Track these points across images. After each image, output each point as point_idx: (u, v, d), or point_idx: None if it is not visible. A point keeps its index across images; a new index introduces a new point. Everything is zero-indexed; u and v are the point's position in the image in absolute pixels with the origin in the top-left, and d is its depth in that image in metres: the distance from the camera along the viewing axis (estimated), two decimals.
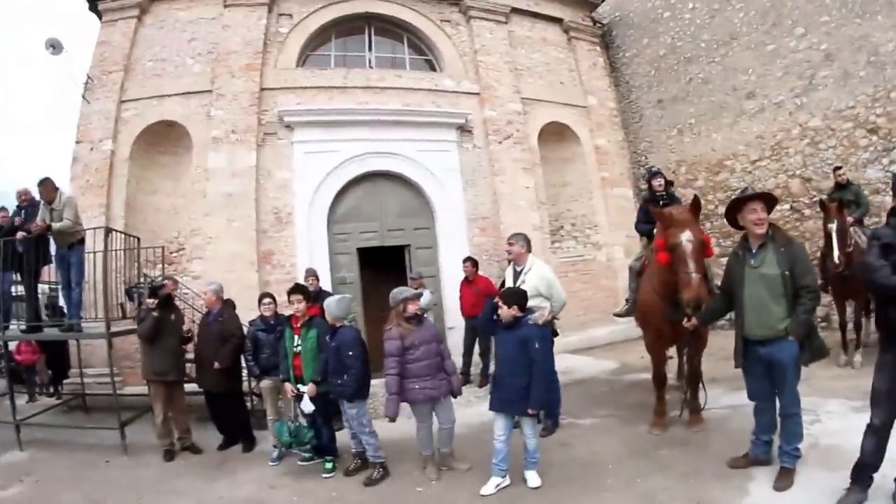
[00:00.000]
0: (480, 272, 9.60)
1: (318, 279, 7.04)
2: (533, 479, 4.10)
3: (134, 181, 8.19)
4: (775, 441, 3.80)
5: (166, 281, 5.95)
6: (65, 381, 8.38)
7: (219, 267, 7.93)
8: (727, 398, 5.35)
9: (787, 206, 9.22)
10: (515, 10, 11.15)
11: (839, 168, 7.42)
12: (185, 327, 5.87)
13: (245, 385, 6.14)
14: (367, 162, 9.36)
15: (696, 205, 4.35)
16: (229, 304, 5.97)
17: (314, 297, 6.37)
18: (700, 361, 4.99)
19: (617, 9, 12.41)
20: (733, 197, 3.89)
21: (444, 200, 9.80)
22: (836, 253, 5.89)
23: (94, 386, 7.20)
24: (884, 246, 3.05)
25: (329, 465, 4.87)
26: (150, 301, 5.50)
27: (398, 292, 4.65)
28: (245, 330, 5.70)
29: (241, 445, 5.65)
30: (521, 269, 5.26)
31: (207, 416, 5.96)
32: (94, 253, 6.03)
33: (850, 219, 6.38)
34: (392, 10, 10.20)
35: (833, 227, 5.94)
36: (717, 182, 10.59)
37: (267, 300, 5.67)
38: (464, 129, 10.14)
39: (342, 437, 5.13)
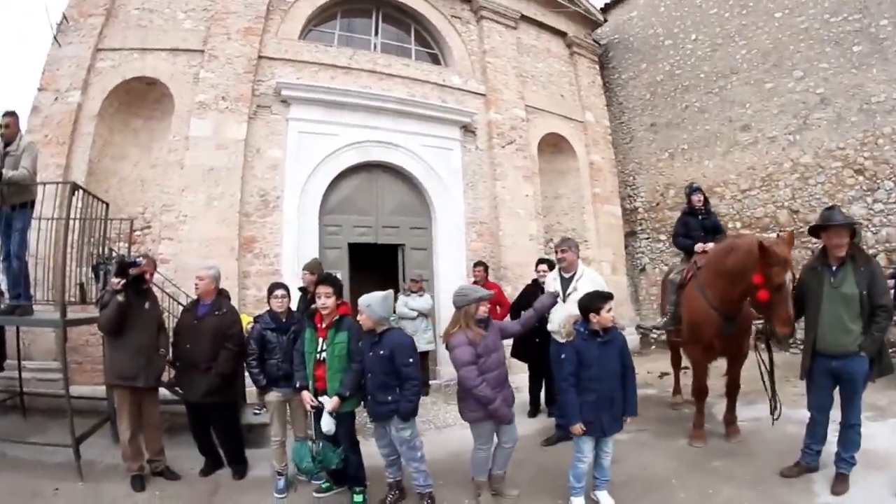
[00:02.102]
0: (472, 278, 8.61)
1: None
2: (606, 499, 3.65)
3: (100, 142, 6.54)
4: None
5: (139, 258, 4.39)
6: None
7: (193, 251, 6.41)
8: (747, 412, 5.14)
9: (773, 235, 8.96)
10: (524, 18, 10.30)
11: None
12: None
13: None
14: (367, 150, 8.09)
15: (790, 242, 4.05)
16: (225, 296, 4.58)
17: (311, 297, 5.15)
18: (739, 374, 4.88)
19: (617, 31, 11.87)
20: (828, 223, 3.72)
21: (444, 201, 8.67)
22: None
23: (35, 383, 5.50)
24: None
25: (359, 498, 3.72)
26: (116, 281, 3.93)
27: (468, 290, 3.83)
28: (254, 329, 4.26)
29: (231, 470, 4.31)
30: (573, 276, 4.82)
31: (179, 429, 4.49)
32: (53, 219, 4.50)
33: None
34: None
35: None
36: None
37: (280, 292, 4.23)
38: (467, 130, 9.10)
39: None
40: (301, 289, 5.69)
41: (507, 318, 6.21)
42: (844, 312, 3.54)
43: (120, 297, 3.93)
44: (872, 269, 3.62)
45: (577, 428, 3.49)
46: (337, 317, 3.74)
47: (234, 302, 5.05)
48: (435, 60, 9.46)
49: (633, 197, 11.58)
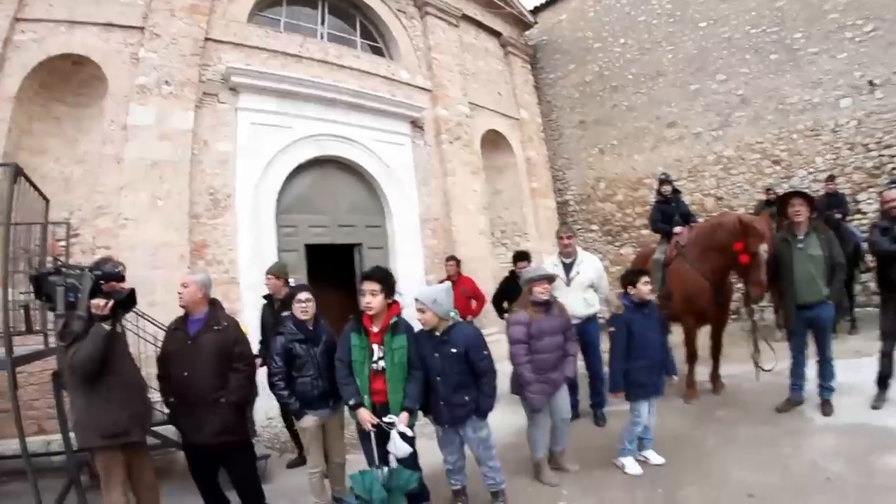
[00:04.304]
0: (430, 277, 8.17)
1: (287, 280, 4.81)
2: (655, 456, 3.83)
3: (16, 132, 5.14)
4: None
5: (119, 267, 3.18)
6: None
7: (137, 260, 5.16)
8: (724, 369, 5.50)
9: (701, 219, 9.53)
10: (465, 17, 9.99)
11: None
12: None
13: None
14: (322, 145, 7.31)
15: (766, 219, 4.88)
16: (219, 306, 3.53)
17: (284, 302, 4.37)
18: (722, 338, 5.40)
19: (546, 33, 11.95)
20: (783, 193, 4.77)
21: (398, 198, 8.12)
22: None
23: None
24: (882, 228, 4.18)
25: None
26: (103, 303, 2.85)
27: (529, 272, 3.90)
28: (277, 341, 3.43)
29: None
30: (573, 261, 4.98)
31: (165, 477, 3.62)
32: None
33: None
34: None
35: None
36: (636, 197, 10.62)
37: (304, 295, 3.47)
38: (416, 125, 8.62)
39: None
40: (266, 296, 4.87)
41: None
42: (813, 269, 4.21)
43: (107, 326, 2.89)
44: (830, 236, 4.38)
45: (621, 394, 3.75)
46: (393, 318, 3.13)
47: None
48: (379, 53, 8.80)
49: (563, 191, 11.75)
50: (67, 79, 5.60)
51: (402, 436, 2.96)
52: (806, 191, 4.82)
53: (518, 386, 3.61)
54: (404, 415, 3.00)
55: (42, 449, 4.31)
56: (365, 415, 3.04)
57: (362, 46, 8.59)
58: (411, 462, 3.08)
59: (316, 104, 7.21)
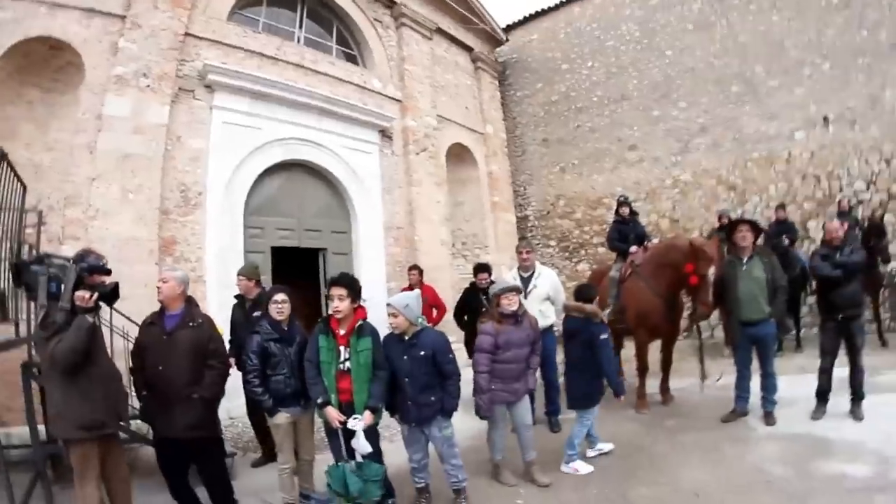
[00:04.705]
0: (392, 285, 8.45)
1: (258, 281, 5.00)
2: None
3: None
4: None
5: (104, 260, 3.31)
6: None
7: (106, 253, 4.97)
8: (672, 383, 5.90)
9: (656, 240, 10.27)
10: (439, 30, 10.42)
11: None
12: None
13: None
14: (291, 148, 7.52)
15: (716, 243, 5.37)
16: (194, 303, 3.68)
17: (254, 303, 4.65)
18: (672, 352, 5.79)
19: (516, 51, 12.50)
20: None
21: (364, 205, 8.42)
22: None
23: None
24: (822, 255, 4.65)
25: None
26: (88, 296, 2.93)
27: (496, 285, 4.18)
28: (253, 340, 3.63)
29: None
30: (530, 275, 5.35)
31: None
32: None
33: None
34: None
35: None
36: (594, 216, 11.27)
37: (280, 297, 3.69)
38: (385, 134, 8.94)
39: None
40: (237, 296, 5.04)
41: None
42: (756, 290, 4.67)
43: (91, 318, 2.97)
44: (772, 260, 4.88)
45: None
46: (359, 322, 3.38)
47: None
48: (353, 61, 9.07)
49: (524, 206, 12.29)
50: (44, 63, 5.61)
51: (366, 434, 3.24)
52: (752, 219, 5.44)
53: (483, 392, 3.86)
54: (368, 414, 3.26)
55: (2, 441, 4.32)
56: (332, 413, 3.28)
57: (337, 53, 8.85)
58: (376, 459, 3.36)
59: (288, 107, 7.42)
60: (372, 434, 3.35)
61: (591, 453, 4.34)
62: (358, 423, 3.22)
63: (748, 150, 9.43)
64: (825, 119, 8.79)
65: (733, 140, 9.57)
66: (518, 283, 5.06)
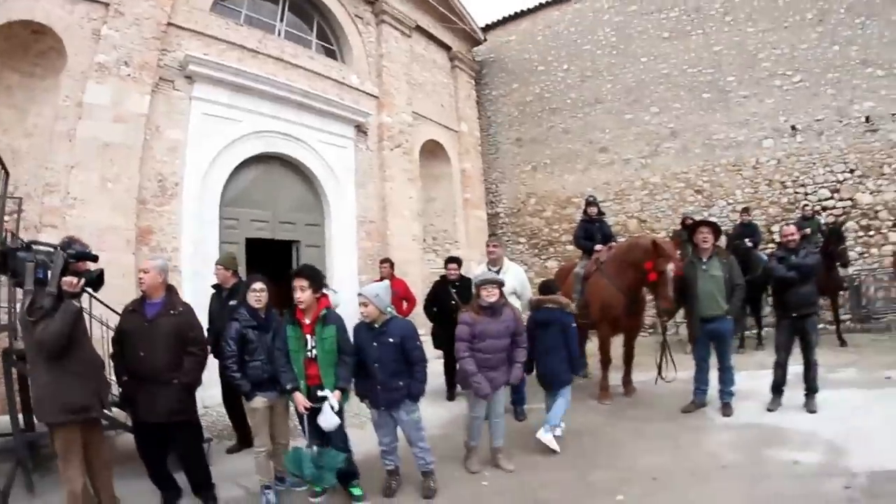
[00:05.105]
0: (363, 277, 8.75)
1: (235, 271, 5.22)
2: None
3: None
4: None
5: (88, 248, 3.45)
6: None
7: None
8: (635, 376, 6.30)
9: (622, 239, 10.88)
10: (419, 28, 10.72)
11: (746, 209, 9.01)
12: None
13: None
14: (268, 141, 7.74)
15: (676, 243, 6.03)
16: (174, 292, 3.90)
17: (231, 292, 4.88)
18: (634, 346, 6.18)
19: (493, 51, 12.87)
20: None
21: (338, 199, 8.71)
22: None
23: None
24: (778, 257, 5.06)
25: (358, 492, 3.73)
26: (75, 281, 3.13)
27: (478, 276, 4.50)
28: (231, 327, 3.86)
29: (201, 499, 3.80)
30: (499, 269, 5.58)
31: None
32: None
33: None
34: None
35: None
36: (563, 215, 11.76)
37: (259, 285, 3.93)
38: (360, 129, 9.21)
39: None
40: (215, 286, 5.25)
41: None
42: (714, 288, 5.03)
43: (77, 304, 3.15)
44: (731, 261, 5.25)
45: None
46: (323, 311, 3.65)
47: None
48: (332, 56, 9.29)
49: (495, 203, 12.74)
50: (26, 48, 5.70)
51: (334, 411, 3.51)
52: (712, 221, 5.83)
53: (463, 379, 4.18)
54: (337, 392, 3.55)
55: None
56: (300, 398, 3.57)
57: (317, 47, 9.06)
58: (340, 442, 3.68)
59: (267, 101, 7.63)
60: (337, 411, 3.57)
61: (557, 432, 4.65)
62: (328, 393, 3.51)
63: (717, 156, 10.03)
64: (793, 128, 9.45)
65: (703, 145, 10.16)
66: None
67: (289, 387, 3.61)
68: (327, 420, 3.48)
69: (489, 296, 4.09)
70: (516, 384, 4.51)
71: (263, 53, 7.68)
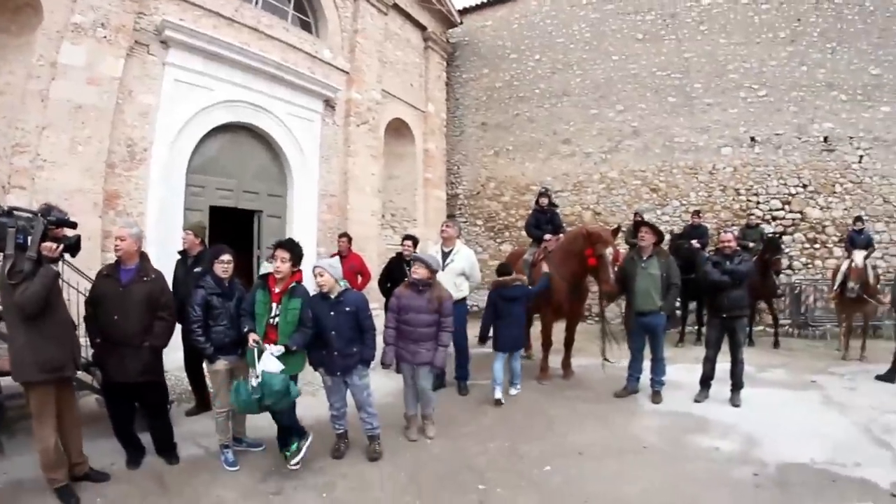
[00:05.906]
0: (321, 249, 9.22)
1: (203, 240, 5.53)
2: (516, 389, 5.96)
3: None
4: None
5: (66, 215, 3.67)
6: None
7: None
8: (574, 360, 6.86)
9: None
10: (396, 6, 11.03)
11: (698, 212, 9.62)
12: None
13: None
14: (238, 111, 8.05)
15: (616, 231, 6.37)
16: (146, 258, 4.14)
17: (196, 259, 5.20)
18: (574, 332, 6.77)
19: (468, 35, 13.31)
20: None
21: (301, 171, 9.12)
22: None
23: None
24: (714, 262, 5.52)
25: (295, 446, 3.98)
26: (54, 247, 3.38)
27: (417, 254, 5.22)
28: (197, 293, 4.15)
29: (164, 458, 4.16)
30: (451, 251, 6.10)
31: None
32: None
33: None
34: None
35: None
36: (521, 201, 12.49)
37: (226, 257, 4.24)
38: (329, 104, 9.56)
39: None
40: (181, 252, 5.51)
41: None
42: (651, 285, 5.56)
43: (55, 268, 3.44)
44: (669, 261, 5.75)
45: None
46: (293, 284, 4.02)
47: (98, 266, 4.70)
48: (307, 29, 9.51)
49: (455, 184, 13.38)
50: (1, 4, 5.76)
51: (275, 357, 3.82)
52: (652, 222, 6.52)
53: (388, 344, 4.56)
54: (282, 347, 3.86)
55: None
56: (252, 335, 3.89)
57: (293, 19, 9.28)
58: (283, 382, 3.82)
59: (239, 70, 7.92)
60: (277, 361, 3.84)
61: (513, 392, 5.79)
62: (272, 346, 3.86)
63: (675, 158, 10.81)
64: (752, 140, 10.26)
65: (663, 146, 10.93)
66: (439, 257, 5.79)
67: (246, 328, 3.96)
68: (267, 365, 3.77)
69: (415, 273, 4.53)
70: (441, 367, 4.83)
71: (239, 22, 7.90)
